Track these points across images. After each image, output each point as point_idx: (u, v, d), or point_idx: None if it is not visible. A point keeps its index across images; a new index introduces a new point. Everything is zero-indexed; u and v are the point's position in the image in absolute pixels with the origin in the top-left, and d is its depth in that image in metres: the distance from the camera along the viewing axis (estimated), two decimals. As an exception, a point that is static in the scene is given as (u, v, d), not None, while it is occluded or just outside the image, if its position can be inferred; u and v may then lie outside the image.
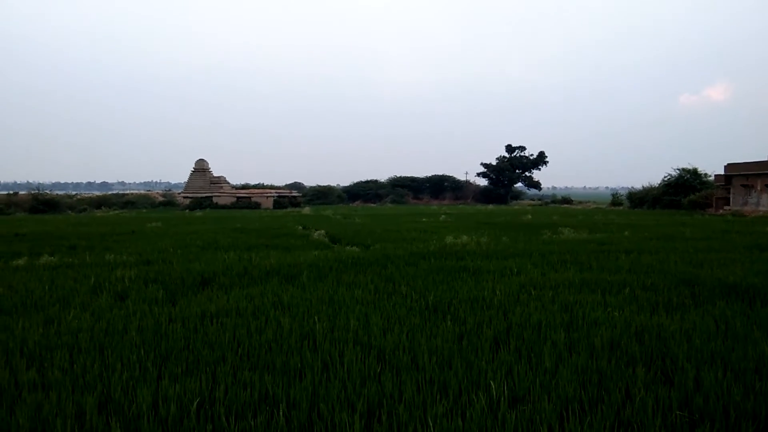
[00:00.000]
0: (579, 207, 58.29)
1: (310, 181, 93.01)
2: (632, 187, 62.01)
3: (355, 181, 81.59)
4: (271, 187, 68.90)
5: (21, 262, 11.65)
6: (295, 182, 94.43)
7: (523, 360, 4.76)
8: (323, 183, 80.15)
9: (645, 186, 56.01)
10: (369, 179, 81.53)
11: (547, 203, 71.77)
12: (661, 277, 8.99)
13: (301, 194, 69.20)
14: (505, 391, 3.97)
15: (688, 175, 50.89)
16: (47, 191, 54.43)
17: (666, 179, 52.36)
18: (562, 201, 72.22)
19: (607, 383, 4.20)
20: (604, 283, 8.43)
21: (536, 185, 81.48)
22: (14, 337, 5.62)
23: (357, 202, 72.27)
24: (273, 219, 31.98)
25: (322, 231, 20.67)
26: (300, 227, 23.74)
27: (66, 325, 6.11)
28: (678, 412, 3.70)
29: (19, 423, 3.54)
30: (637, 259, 11.50)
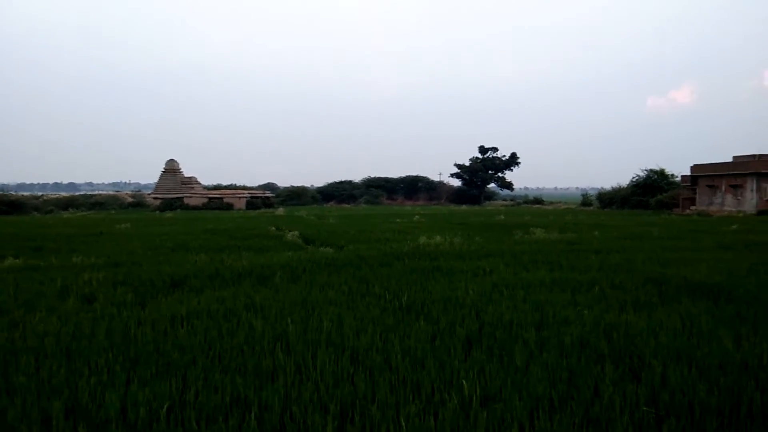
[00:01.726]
0: (550, 207, 59.19)
1: (283, 181, 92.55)
2: (602, 188, 63.23)
3: (330, 182, 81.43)
4: (244, 188, 68.30)
5: (-17, 265, 11.30)
6: (269, 183, 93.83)
7: (495, 359, 4.81)
8: (297, 184, 79.99)
9: (614, 187, 57.17)
10: (343, 180, 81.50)
11: (519, 204, 72.74)
12: (629, 276, 9.18)
13: (274, 195, 68.77)
14: (477, 390, 4.00)
15: (656, 176, 52.12)
16: (11, 192, 52.98)
17: (634, 180, 53.52)
18: (534, 201, 73.28)
19: (576, 381, 4.28)
20: (574, 282, 8.57)
21: (509, 186, 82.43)
22: (-24, 341, 5.45)
23: (331, 203, 72.11)
24: (246, 220, 31.69)
25: (296, 232, 20.57)
26: (273, 228, 23.56)
27: (32, 328, 5.95)
28: (645, 408, 3.78)
29: (-18, 430, 3.44)
30: (606, 258, 11.72)
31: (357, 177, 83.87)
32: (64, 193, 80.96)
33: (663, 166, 52.94)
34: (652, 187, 50.99)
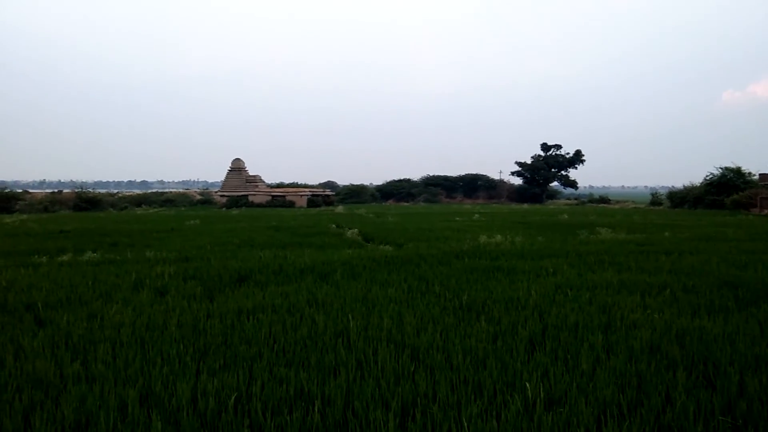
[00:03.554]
0: (617, 207, 57.08)
1: (343, 180, 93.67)
2: (672, 187, 60.45)
3: (388, 180, 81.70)
4: (305, 186, 69.63)
5: (66, 258, 12.05)
6: (329, 181, 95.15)
7: (560, 362, 4.69)
8: (356, 182, 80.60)
9: (686, 185, 54.52)
10: (402, 178, 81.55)
11: (583, 203, 70.50)
12: (703, 279, 8.74)
13: (334, 193, 69.69)
14: (541, 393, 3.92)
15: (731, 174, 49.30)
16: (90, 190, 56.12)
17: (708, 178, 50.86)
18: (600, 200, 70.76)
19: (646, 387, 4.12)
20: (643, 285, 8.25)
21: (572, 184, 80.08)
22: (59, 330, 5.82)
23: (390, 201, 72.34)
24: (307, 217, 32.29)
25: (356, 230, 20.77)
26: (333, 226, 23.90)
27: (109, 319, 6.31)
28: (721, 418, 3.60)
29: (65, 414, 3.66)
30: (678, 260, 11.21)
31: (416, 175, 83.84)
32: (137, 191, 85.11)
33: (739, 164, 50.00)
34: (728, 186, 48.24)
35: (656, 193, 64.36)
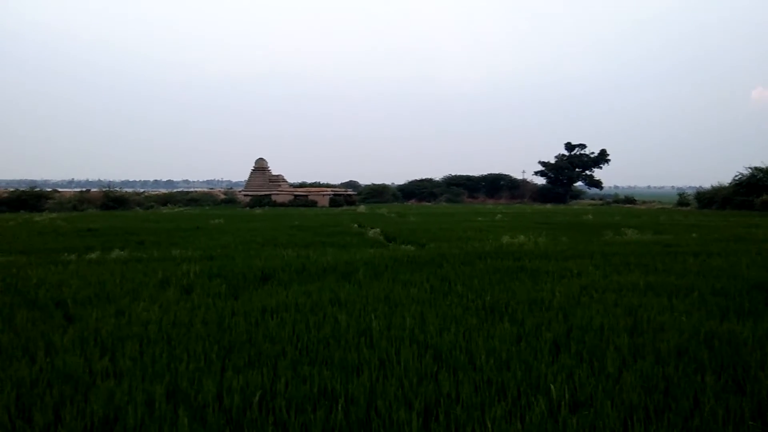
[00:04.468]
0: (643, 207, 56.18)
1: (365, 179, 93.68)
2: (700, 187, 59.19)
3: (410, 180, 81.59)
4: (327, 186, 69.86)
5: (94, 256, 12.29)
6: (351, 181, 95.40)
7: (585, 364, 4.64)
8: (378, 182, 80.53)
9: (714, 185, 53.36)
10: (423, 178, 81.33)
11: (608, 203, 69.50)
12: (732, 281, 8.56)
13: (356, 193, 69.84)
14: (566, 395, 3.89)
15: (761, 174, 48.09)
16: (117, 188, 57.15)
17: (737, 178, 49.70)
18: (625, 201, 69.67)
19: (674, 390, 4.05)
20: (670, 287, 8.12)
21: (597, 184, 78.99)
22: (88, 327, 5.94)
23: (411, 201, 72.24)
24: (329, 217, 32.43)
25: (377, 229, 20.79)
26: (355, 225, 23.97)
27: (136, 316, 6.42)
28: (751, 423, 3.53)
29: (94, 409, 3.73)
30: (706, 261, 11.00)
31: (437, 175, 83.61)
32: (163, 190, 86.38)
33: (770, 164, 48.76)
34: (758, 186, 47.06)
35: (683, 193, 63.15)
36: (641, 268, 10.18)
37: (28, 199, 45.34)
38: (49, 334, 5.60)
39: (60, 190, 62.67)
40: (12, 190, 50.62)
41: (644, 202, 67.28)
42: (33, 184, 58.91)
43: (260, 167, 61.42)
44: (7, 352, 5.06)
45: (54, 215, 34.10)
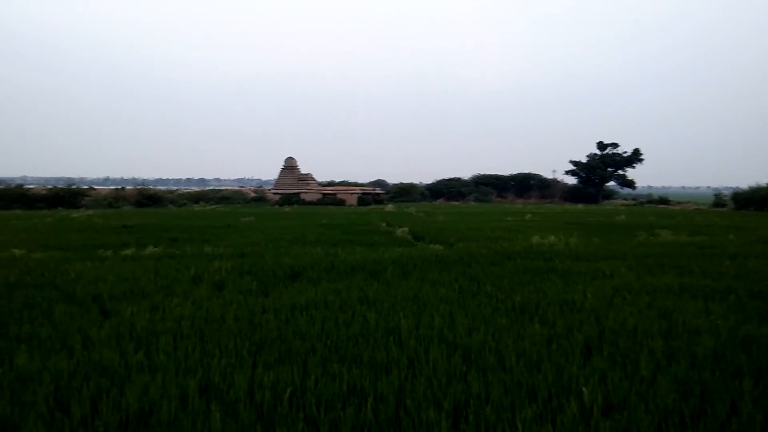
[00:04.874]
0: (677, 208, 54.89)
1: (392, 178, 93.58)
2: (737, 187, 57.49)
3: (438, 179, 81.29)
4: (356, 185, 70.08)
5: (129, 252, 12.59)
6: (379, 180, 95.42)
7: (618, 367, 4.56)
8: (406, 181, 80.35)
9: (752, 186, 51.78)
10: (452, 177, 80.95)
11: (642, 203, 68.05)
12: (773, 285, 8.30)
13: (384, 192, 69.88)
14: (599, 399, 3.83)
15: (804, 175, 46.51)
16: (151, 186, 58.50)
17: (777, 178, 48.13)
18: (659, 201, 68.13)
19: (710, 395, 3.95)
20: (706, 289, 7.92)
21: (630, 184, 77.46)
22: (124, 321, 6.09)
23: (440, 200, 71.96)
24: (357, 216, 32.53)
25: (406, 228, 20.78)
26: (383, 224, 23.99)
27: (170, 312, 6.55)
28: (793, 432, 3.41)
29: (129, 402, 3.82)
30: (743, 264, 10.69)
31: (466, 174, 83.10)
32: (195, 188, 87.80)
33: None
34: (799, 187, 45.61)
35: (719, 193, 61.48)
36: (676, 270, 9.95)
37: (66, 196, 46.74)
38: (86, 328, 5.76)
39: (96, 187, 64.19)
40: (50, 187, 52.16)
41: (679, 203, 65.70)
42: (70, 181, 60.47)
43: (290, 166, 61.98)
44: (46, 345, 5.22)
45: (90, 212, 35.01)
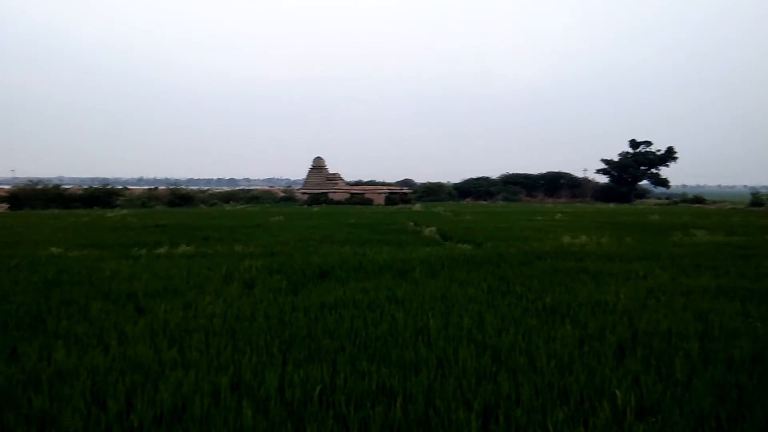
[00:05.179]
0: (713, 207, 53.48)
1: (420, 178, 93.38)
2: (777, 186, 55.75)
3: (466, 178, 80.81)
4: (383, 184, 70.14)
5: (162, 251, 12.84)
6: (406, 179, 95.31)
7: (652, 370, 4.47)
8: (433, 180, 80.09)
9: (793, 184, 50.17)
10: (480, 176, 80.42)
11: (676, 203, 66.51)
12: (815, 287, 8.02)
13: (411, 191, 69.79)
14: (632, 401, 3.75)
15: None
16: (183, 186, 59.57)
17: (820, 177, 46.56)
18: (694, 200, 66.48)
19: (748, 399, 3.85)
20: (743, 291, 7.71)
21: (664, 183, 75.75)
22: (157, 318, 6.22)
23: (467, 200, 71.52)
24: (385, 215, 32.54)
25: (433, 228, 20.70)
26: (411, 223, 23.95)
27: (202, 309, 6.66)
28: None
29: (163, 398, 3.89)
30: (784, 265, 10.35)
31: (494, 173, 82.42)
32: (225, 188, 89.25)
33: None
34: (844, 186, 43.98)
35: (757, 192, 59.64)
36: (712, 271, 9.71)
37: (101, 196, 47.95)
38: (121, 325, 5.90)
39: (130, 187, 65.74)
40: (86, 187, 53.61)
41: (714, 202, 64.02)
42: (105, 181, 62.11)
43: (318, 166, 62.39)
44: (83, 341, 5.36)
45: (125, 211, 35.81)
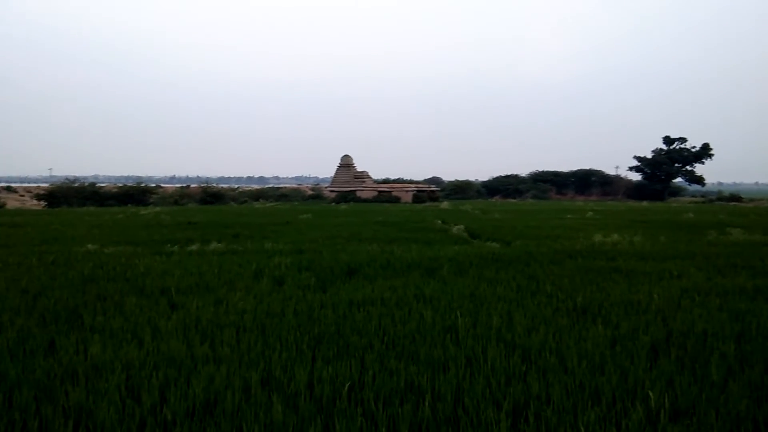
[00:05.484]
0: (750, 205, 51.95)
1: (448, 176, 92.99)
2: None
3: (494, 176, 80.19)
4: (411, 182, 70.03)
5: (194, 247, 13.06)
6: (434, 177, 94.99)
7: (686, 371, 4.37)
8: (461, 178, 79.63)
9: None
10: (509, 174, 79.70)
11: (711, 201, 64.81)
12: None
13: (439, 189, 69.51)
14: (666, 403, 3.68)
15: None
16: (214, 185, 60.58)
17: None
18: (730, 198, 64.72)
19: (788, 403, 3.73)
20: (783, 292, 7.47)
21: (699, 181, 73.94)
22: (190, 314, 6.33)
23: (496, 198, 70.94)
24: (412, 213, 32.48)
25: (461, 226, 20.59)
26: (439, 221, 23.87)
27: (233, 305, 6.76)
28: None
29: (195, 392, 3.96)
30: (826, 265, 10.00)
31: (523, 171, 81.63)
32: (255, 186, 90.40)
33: None
34: None
35: (798, 190, 57.77)
36: (749, 270, 9.44)
37: (135, 194, 49.08)
38: (155, 320, 6.03)
39: (163, 185, 67.13)
40: (120, 185, 54.94)
41: (752, 200, 62.18)
42: (139, 180, 63.52)
43: (346, 164, 62.62)
44: (118, 335, 5.49)
45: (158, 209, 36.51)
